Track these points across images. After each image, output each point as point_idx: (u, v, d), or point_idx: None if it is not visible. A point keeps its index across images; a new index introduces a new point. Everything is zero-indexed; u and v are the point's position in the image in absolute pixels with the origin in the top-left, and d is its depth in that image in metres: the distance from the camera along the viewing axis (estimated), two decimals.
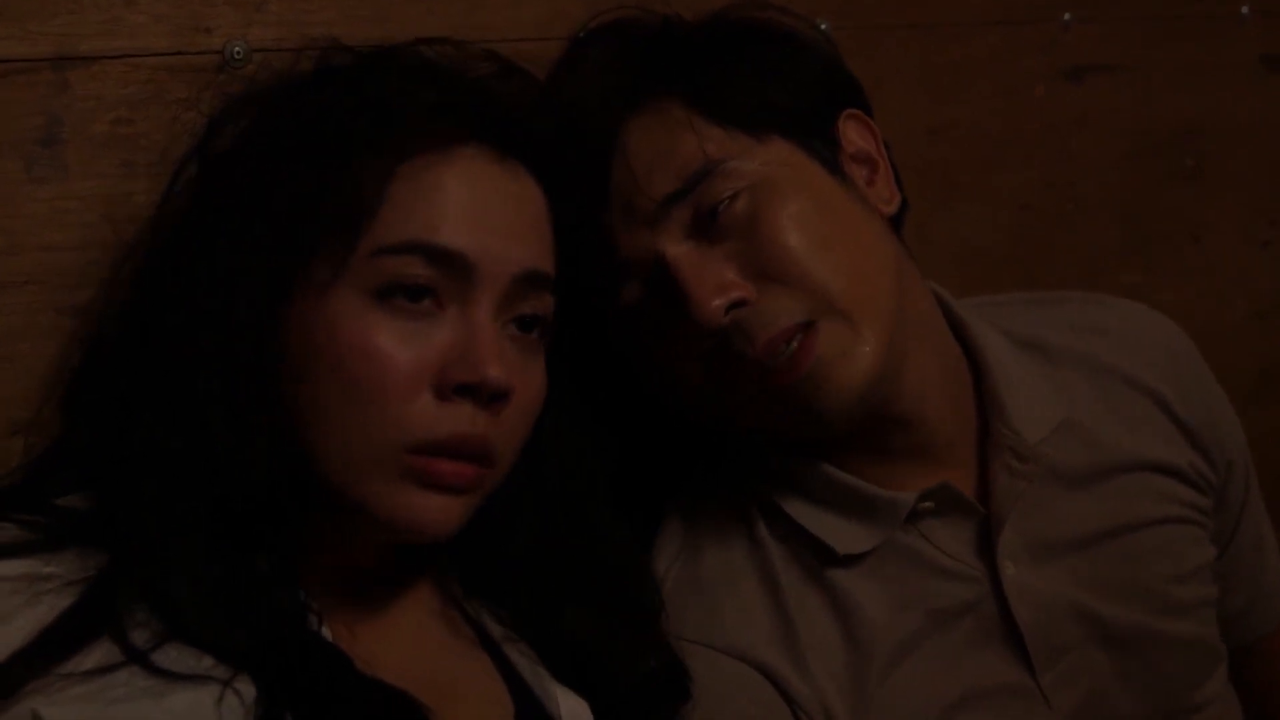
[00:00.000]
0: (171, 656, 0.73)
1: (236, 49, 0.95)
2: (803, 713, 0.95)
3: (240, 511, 0.78)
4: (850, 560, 0.98)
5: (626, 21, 1.00)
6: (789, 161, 0.95)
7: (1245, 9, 1.49)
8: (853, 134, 1.00)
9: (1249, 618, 1.16)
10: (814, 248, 0.92)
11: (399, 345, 0.79)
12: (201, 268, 0.80)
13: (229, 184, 0.83)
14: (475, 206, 0.82)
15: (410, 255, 0.80)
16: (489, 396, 0.81)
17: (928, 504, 0.99)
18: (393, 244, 0.79)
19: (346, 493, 0.80)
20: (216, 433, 0.77)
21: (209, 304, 0.79)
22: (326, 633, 0.81)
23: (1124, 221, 1.45)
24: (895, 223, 1.03)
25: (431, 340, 0.80)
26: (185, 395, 0.78)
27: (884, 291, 0.94)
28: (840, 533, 0.98)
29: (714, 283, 0.90)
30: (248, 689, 0.74)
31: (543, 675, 0.91)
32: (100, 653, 0.72)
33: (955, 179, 1.34)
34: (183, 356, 0.78)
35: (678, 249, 0.92)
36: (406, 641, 0.87)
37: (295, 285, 0.80)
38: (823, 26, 1.20)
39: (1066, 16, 1.37)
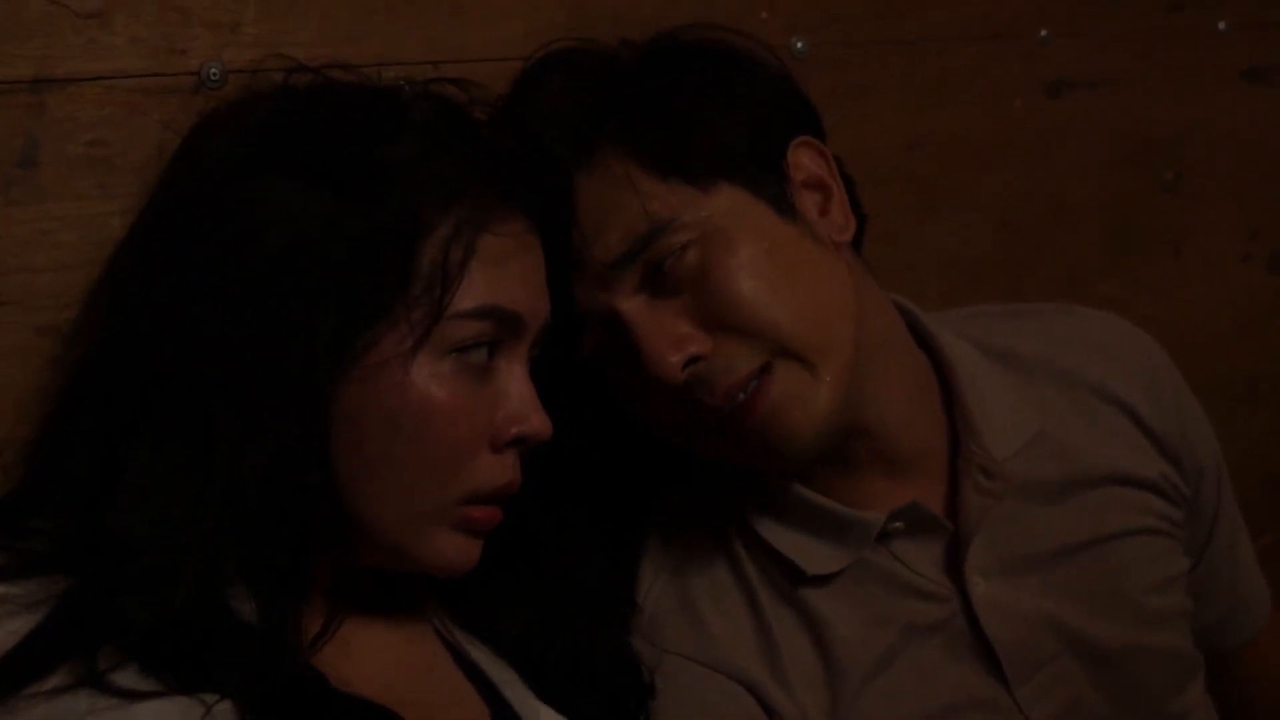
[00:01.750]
0: (133, 677, 0.73)
1: (213, 70, 0.95)
2: None
3: (250, 553, 0.78)
4: (820, 580, 0.99)
5: (572, 56, 0.98)
6: (735, 209, 0.93)
7: (1222, 24, 1.50)
8: (805, 160, 0.99)
9: (1225, 627, 1.16)
10: (766, 294, 0.92)
11: (472, 405, 0.83)
12: (244, 320, 0.78)
13: (267, 227, 0.80)
14: (524, 268, 0.86)
15: (484, 320, 0.83)
16: (532, 445, 0.85)
17: (898, 524, 0.99)
18: (469, 309, 0.82)
19: (390, 540, 0.83)
20: (257, 486, 0.77)
21: (259, 362, 0.78)
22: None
23: (1106, 233, 1.46)
24: (856, 237, 1.02)
25: (488, 396, 0.84)
26: (214, 444, 0.77)
27: (839, 329, 0.94)
28: (810, 553, 0.99)
29: (669, 339, 0.91)
30: (221, 705, 0.74)
31: (525, 694, 0.91)
32: (64, 673, 0.72)
33: (938, 191, 1.34)
34: (215, 406, 0.78)
35: (631, 304, 0.92)
36: (379, 660, 0.87)
37: (363, 348, 0.80)
38: (800, 45, 1.22)
39: (1044, 32, 1.38)
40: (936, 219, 1.34)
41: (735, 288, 0.91)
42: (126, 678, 0.73)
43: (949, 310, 1.16)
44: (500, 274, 0.84)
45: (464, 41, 1.05)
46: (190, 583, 0.76)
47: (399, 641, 0.90)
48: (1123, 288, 1.46)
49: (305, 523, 0.79)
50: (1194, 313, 1.51)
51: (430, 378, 0.81)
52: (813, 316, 0.93)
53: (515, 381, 0.85)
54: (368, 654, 0.87)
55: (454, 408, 0.82)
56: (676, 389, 0.91)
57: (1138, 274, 1.48)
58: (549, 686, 0.93)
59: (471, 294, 0.82)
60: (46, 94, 0.91)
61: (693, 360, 0.91)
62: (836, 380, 0.93)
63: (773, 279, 0.92)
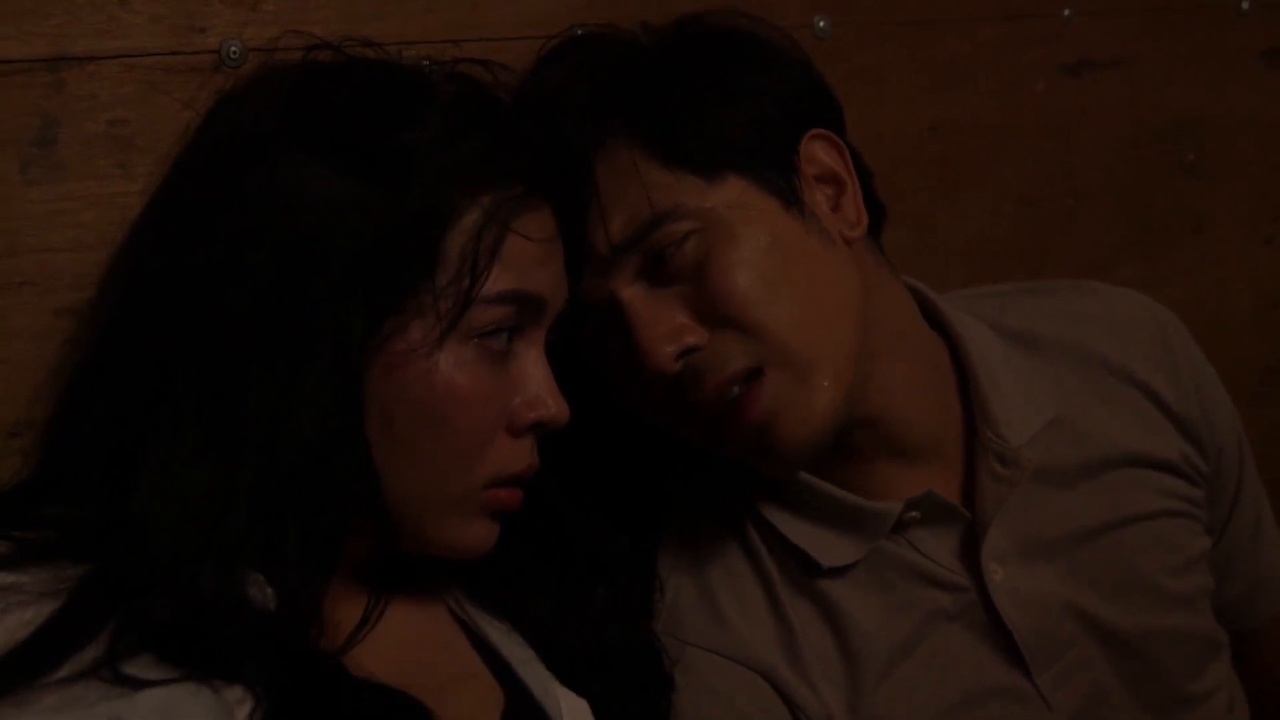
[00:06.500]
0: (147, 666, 0.72)
1: (232, 48, 0.94)
2: (806, 719, 0.95)
3: (276, 539, 0.77)
4: (837, 572, 0.98)
5: (589, 42, 0.97)
6: (742, 201, 0.92)
7: (1245, 4, 1.49)
8: (819, 154, 0.97)
9: (1250, 604, 1.15)
10: (765, 292, 0.90)
11: (492, 390, 0.82)
12: (272, 306, 0.78)
13: (293, 208, 0.79)
14: (548, 254, 0.85)
15: (508, 305, 0.82)
16: (550, 430, 0.85)
17: (914, 514, 0.98)
18: (495, 295, 0.82)
19: (414, 525, 0.83)
20: (293, 473, 0.77)
21: (289, 348, 0.77)
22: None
23: (1126, 215, 1.45)
24: (875, 227, 1.00)
25: (507, 381, 0.84)
26: (243, 431, 0.76)
27: (841, 332, 0.93)
28: (825, 545, 0.98)
29: (665, 328, 0.90)
30: (230, 689, 0.73)
31: (542, 673, 0.91)
32: (77, 662, 0.71)
33: (957, 173, 1.33)
34: (242, 393, 0.77)
35: (630, 291, 0.91)
36: (393, 641, 0.86)
37: (389, 335, 0.79)
38: (822, 24, 1.21)
39: (1067, 12, 1.37)
40: (956, 201, 1.34)
41: (732, 281, 0.90)
42: (140, 666, 0.72)
43: (964, 290, 1.15)
44: (526, 261, 0.83)
45: (485, 20, 1.05)
46: (214, 571, 0.75)
47: (413, 622, 0.90)
48: (1142, 271, 1.45)
49: (342, 509, 0.79)
50: (1215, 296, 1.50)
51: (455, 364, 0.81)
52: (811, 319, 0.91)
53: (534, 366, 0.85)
54: (381, 636, 0.85)
55: (476, 393, 0.81)
56: (670, 381, 0.90)
57: (1158, 257, 1.47)
58: (568, 671, 0.92)
59: (498, 280, 0.82)
60: (65, 72, 0.90)
61: (688, 351, 0.90)
62: (834, 385, 0.91)
63: (773, 277, 0.90)
